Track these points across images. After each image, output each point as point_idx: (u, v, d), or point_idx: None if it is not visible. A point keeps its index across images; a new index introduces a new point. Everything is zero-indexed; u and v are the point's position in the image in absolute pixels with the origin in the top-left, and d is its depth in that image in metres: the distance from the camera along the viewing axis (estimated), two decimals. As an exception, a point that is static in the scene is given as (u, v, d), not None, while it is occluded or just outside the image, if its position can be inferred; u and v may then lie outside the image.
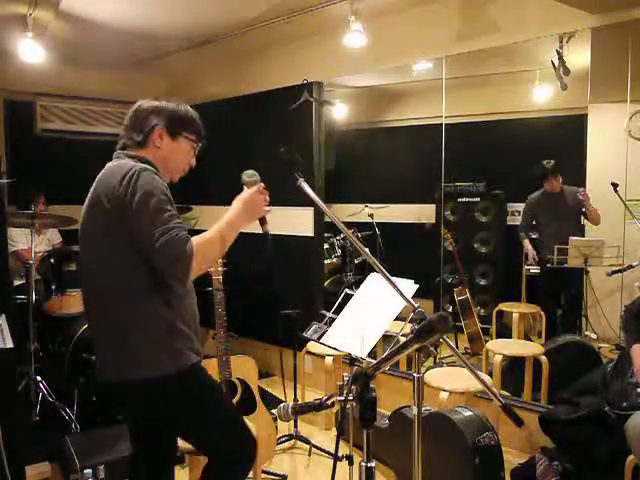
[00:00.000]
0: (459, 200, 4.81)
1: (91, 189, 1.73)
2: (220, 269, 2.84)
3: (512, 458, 2.98)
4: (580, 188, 3.77)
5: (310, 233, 4.30)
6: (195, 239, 1.61)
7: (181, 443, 2.05)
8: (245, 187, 1.78)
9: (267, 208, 1.79)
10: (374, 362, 1.27)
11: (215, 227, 1.68)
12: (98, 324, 1.76)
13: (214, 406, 1.82)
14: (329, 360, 3.50)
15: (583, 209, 3.70)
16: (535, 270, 4.11)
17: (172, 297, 1.70)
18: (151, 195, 1.59)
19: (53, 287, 3.65)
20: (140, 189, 1.58)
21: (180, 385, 1.71)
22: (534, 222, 4.13)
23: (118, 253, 1.64)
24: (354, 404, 1.25)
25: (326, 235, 4.71)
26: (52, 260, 3.66)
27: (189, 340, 1.74)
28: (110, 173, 1.67)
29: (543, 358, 3.19)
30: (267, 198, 1.78)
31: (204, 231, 1.80)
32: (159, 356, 1.66)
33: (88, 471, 2.52)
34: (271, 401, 3.63)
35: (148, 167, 1.66)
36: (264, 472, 2.91)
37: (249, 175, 1.80)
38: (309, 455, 3.23)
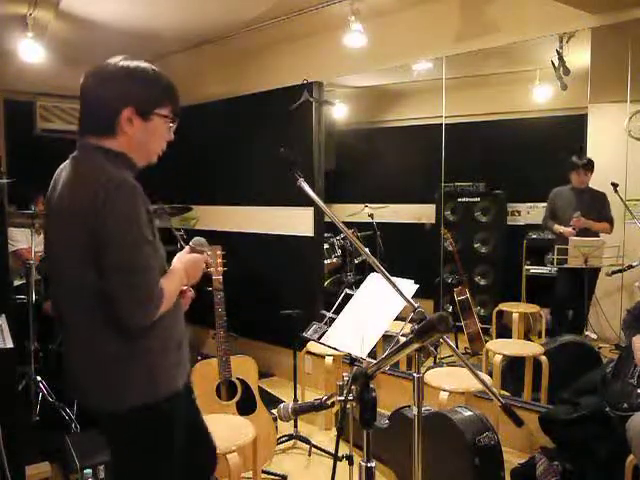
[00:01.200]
0: (459, 200, 4.81)
1: (60, 192, 1.51)
2: (220, 269, 2.84)
3: (512, 458, 2.98)
4: (603, 191, 3.74)
5: (310, 233, 4.29)
6: (168, 286, 1.49)
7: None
8: (189, 247, 1.74)
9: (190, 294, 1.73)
10: (374, 362, 1.27)
11: (169, 281, 1.53)
12: (73, 350, 1.58)
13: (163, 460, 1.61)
14: (329, 360, 3.49)
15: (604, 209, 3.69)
16: (535, 270, 4.10)
17: (154, 325, 1.49)
18: (130, 221, 1.40)
19: (53, 287, 3.65)
20: (117, 213, 1.38)
21: (151, 419, 1.54)
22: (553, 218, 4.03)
23: (85, 278, 1.44)
24: (354, 404, 1.25)
25: (326, 235, 4.71)
26: (52, 260, 3.66)
27: (171, 367, 1.58)
28: (85, 182, 1.43)
29: (543, 358, 3.19)
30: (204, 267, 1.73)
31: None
32: (136, 388, 1.50)
33: (88, 471, 2.52)
34: (271, 401, 3.63)
35: (126, 180, 1.43)
36: (264, 472, 2.91)
37: (199, 244, 1.74)
38: (309, 455, 3.23)
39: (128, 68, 1.52)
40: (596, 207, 3.72)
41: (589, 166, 3.78)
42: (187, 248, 1.73)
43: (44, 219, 1.62)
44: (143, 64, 1.55)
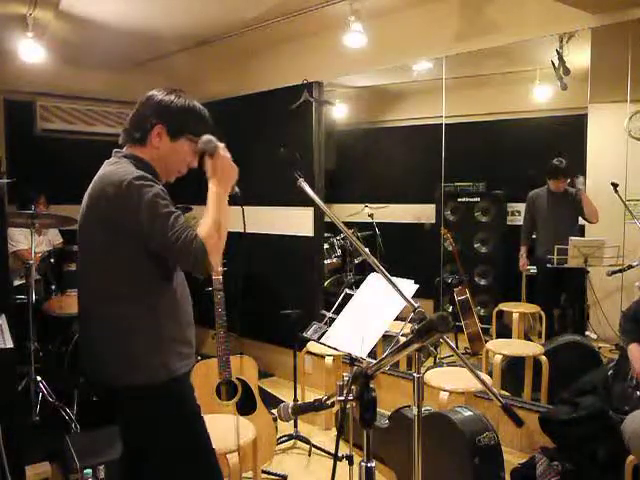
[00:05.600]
0: (459, 200, 4.81)
1: (89, 189, 1.70)
2: (220, 269, 2.84)
3: (512, 458, 2.98)
4: (580, 190, 3.79)
5: (310, 233, 4.29)
6: (202, 228, 1.59)
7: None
8: (206, 156, 1.69)
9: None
10: (374, 362, 1.27)
11: (208, 211, 1.66)
12: (91, 326, 1.73)
13: (188, 431, 1.74)
14: (329, 360, 3.50)
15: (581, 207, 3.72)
16: (532, 270, 4.11)
17: (166, 301, 1.68)
18: (153, 202, 1.56)
19: (53, 287, 3.65)
20: (142, 200, 1.56)
21: (167, 395, 1.67)
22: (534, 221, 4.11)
23: (112, 257, 1.62)
24: (354, 404, 1.25)
25: (326, 235, 4.71)
26: (52, 260, 3.67)
27: (182, 347, 1.72)
28: (106, 179, 1.63)
29: (543, 358, 3.19)
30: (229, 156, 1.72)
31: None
32: (150, 362, 1.64)
33: (88, 471, 2.51)
34: (271, 401, 3.63)
35: (138, 174, 1.61)
36: (264, 472, 2.91)
37: (205, 142, 1.68)
38: (309, 455, 3.23)
39: (177, 101, 1.73)
40: (578, 206, 3.75)
41: (568, 171, 3.83)
42: (206, 150, 1.69)
43: (79, 218, 1.77)
44: (190, 101, 1.76)
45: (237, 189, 1.76)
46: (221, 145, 1.70)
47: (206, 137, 1.70)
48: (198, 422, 1.78)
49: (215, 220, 1.63)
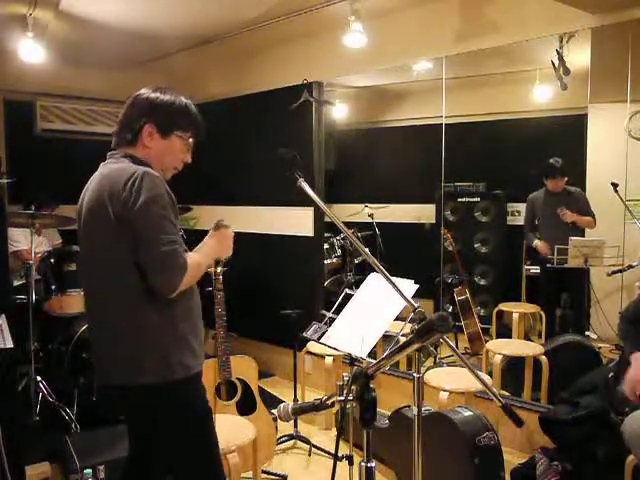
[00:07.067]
0: (459, 200, 4.81)
1: (90, 189, 1.69)
2: (220, 269, 2.84)
3: (512, 458, 2.98)
4: (579, 190, 3.80)
5: (310, 233, 4.29)
6: (191, 258, 1.66)
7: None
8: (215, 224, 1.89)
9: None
10: (374, 362, 1.27)
11: (197, 253, 1.74)
12: (98, 327, 1.74)
13: (200, 430, 1.77)
14: (329, 360, 3.50)
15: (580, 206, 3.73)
16: (535, 270, 4.12)
17: (183, 300, 1.68)
18: (155, 202, 1.58)
19: (53, 287, 3.65)
20: (144, 195, 1.56)
21: (182, 393, 1.69)
22: (536, 221, 4.13)
23: (119, 257, 1.62)
24: (354, 404, 1.25)
25: (326, 235, 4.71)
26: (52, 260, 3.66)
27: (192, 347, 1.72)
28: (115, 176, 1.62)
29: (543, 358, 3.19)
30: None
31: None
32: (160, 363, 1.63)
33: (88, 471, 2.52)
34: (271, 401, 3.63)
35: (150, 170, 1.63)
36: (264, 472, 2.91)
37: (223, 221, 1.90)
38: (309, 455, 3.23)
39: (164, 97, 1.75)
40: (577, 205, 3.77)
41: (564, 171, 3.85)
42: (213, 226, 1.87)
43: (77, 219, 1.78)
44: (176, 96, 1.77)
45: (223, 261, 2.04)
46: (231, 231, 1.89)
47: (223, 220, 1.88)
48: (209, 422, 1.80)
49: (200, 262, 1.71)
